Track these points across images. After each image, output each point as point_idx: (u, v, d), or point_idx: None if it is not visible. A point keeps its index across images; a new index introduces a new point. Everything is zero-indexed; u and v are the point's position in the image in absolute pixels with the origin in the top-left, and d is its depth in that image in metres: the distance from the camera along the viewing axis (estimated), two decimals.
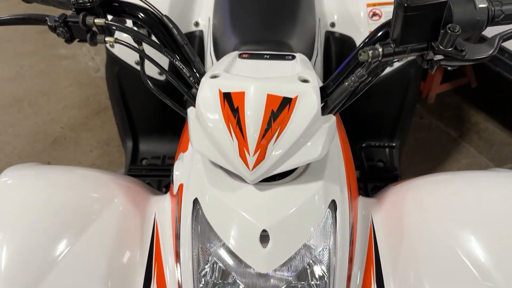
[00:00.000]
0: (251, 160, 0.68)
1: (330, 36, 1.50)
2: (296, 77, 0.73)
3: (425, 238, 0.83)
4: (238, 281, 0.72)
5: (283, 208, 0.72)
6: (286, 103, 0.69)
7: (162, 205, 0.94)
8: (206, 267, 0.74)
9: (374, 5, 1.46)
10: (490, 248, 0.78)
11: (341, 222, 0.77)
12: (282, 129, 0.68)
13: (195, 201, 0.77)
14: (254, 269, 0.71)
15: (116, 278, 0.81)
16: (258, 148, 0.68)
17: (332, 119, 0.74)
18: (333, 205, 0.77)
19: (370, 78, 0.72)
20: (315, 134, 0.71)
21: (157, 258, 0.87)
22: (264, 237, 0.71)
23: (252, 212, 0.72)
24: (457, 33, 0.64)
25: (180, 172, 0.86)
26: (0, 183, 0.87)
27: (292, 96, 0.69)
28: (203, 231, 0.75)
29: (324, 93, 0.74)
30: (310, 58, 1.31)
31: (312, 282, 0.75)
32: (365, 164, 1.46)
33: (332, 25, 1.49)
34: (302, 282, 0.75)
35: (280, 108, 0.69)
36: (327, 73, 1.49)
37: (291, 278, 0.72)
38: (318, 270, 0.75)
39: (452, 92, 2.40)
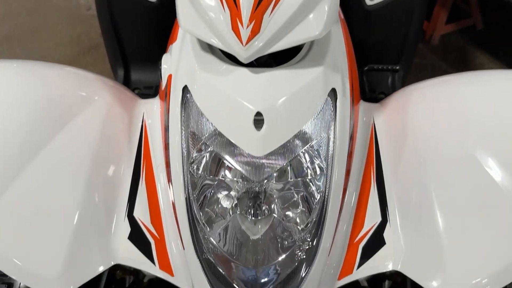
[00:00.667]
0: (245, 33, 0.62)
1: None
2: None
3: (428, 137, 0.79)
4: (231, 166, 0.68)
5: (280, 91, 0.67)
6: None
7: (151, 107, 0.89)
8: (196, 154, 0.70)
9: None
10: (496, 148, 0.74)
11: (341, 112, 0.72)
12: (276, 2, 0.62)
13: (185, 89, 0.72)
14: (248, 154, 0.66)
15: (100, 172, 0.78)
16: (253, 18, 0.62)
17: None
18: (333, 94, 0.72)
19: None
20: (316, 6, 0.65)
21: (145, 156, 0.83)
22: (259, 121, 0.66)
23: (245, 95, 0.67)
24: None
25: (168, 65, 0.81)
26: None
27: None
28: (194, 118, 0.71)
29: None
30: None
31: (310, 178, 0.71)
32: (366, 90, 1.40)
33: None
34: (300, 179, 0.71)
35: None
36: None
37: (285, 163, 0.67)
38: (316, 162, 0.71)
39: (457, 33, 2.31)
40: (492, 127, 0.76)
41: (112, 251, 0.76)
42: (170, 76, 0.78)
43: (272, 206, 0.70)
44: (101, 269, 0.75)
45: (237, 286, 0.69)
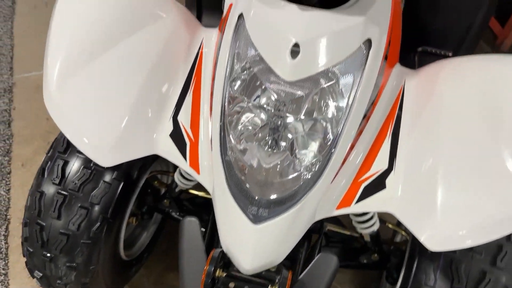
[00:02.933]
0: None
1: None
2: None
3: (451, 107, 0.85)
4: (264, 86, 0.79)
5: (318, 29, 0.76)
6: None
7: (209, 36, 1.01)
8: (238, 73, 0.81)
9: None
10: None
11: (371, 62, 0.80)
12: None
13: (240, 16, 0.83)
14: (280, 77, 0.77)
15: (158, 75, 0.92)
16: None
17: None
18: (368, 44, 0.80)
19: None
20: None
21: (196, 75, 0.95)
22: (295, 52, 0.76)
23: (288, 26, 0.77)
24: None
25: None
26: None
27: None
28: (242, 41, 0.82)
29: None
30: None
31: (330, 116, 0.80)
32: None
33: None
34: (320, 116, 0.80)
35: None
36: None
37: (312, 91, 0.77)
38: (336, 103, 0.80)
39: None
40: None
41: (155, 143, 0.91)
42: (230, 5, 0.89)
43: (287, 143, 0.81)
44: (143, 153, 0.90)
45: (250, 189, 0.81)
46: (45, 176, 1.05)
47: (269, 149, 0.81)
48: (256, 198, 0.80)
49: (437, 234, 0.77)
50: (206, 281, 0.80)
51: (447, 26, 1.52)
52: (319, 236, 1.08)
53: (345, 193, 0.85)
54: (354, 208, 0.84)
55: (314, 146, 0.80)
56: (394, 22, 0.90)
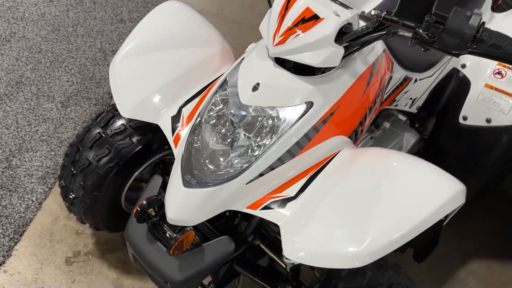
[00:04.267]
0: (277, 40, 1.07)
1: (454, 74, 1.70)
2: (334, 9, 1.07)
3: (353, 178, 1.08)
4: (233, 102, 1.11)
5: (279, 81, 1.07)
6: (314, 18, 1.04)
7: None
8: (223, 90, 1.16)
9: (504, 66, 1.60)
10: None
11: (307, 118, 1.07)
12: (303, 31, 1.04)
13: (244, 58, 1.20)
14: (240, 100, 1.10)
15: (186, 76, 1.31)
16: (283, 35, 1.06)
17: (340, 49, 1.05)
18: (310, 105, 1.08)
19: (374, 33, 1.02)
20: (322, 48, 1.04)
21: (211, 87, 1.33)
22: (256, 88, 1.09)
23: (259, 72, 1.09)
24: (431, 21, 0.91)
25: None
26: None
27: (320, 16, 1.04)
28: (235, 73, 1.15)
29: (344, 29, 1.06)
30: (419, 71, 1.55)
31: (260, 138, 1.06)
32: None
33: (463, 66, 1.68)
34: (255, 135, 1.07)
35: (309, 19, 1.04)
36: (430, 100, 1.69)
37: (258, 117, 1.07)
38: (271, 132, 1.06)
39: None
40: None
41: (161, 118, 1.28)
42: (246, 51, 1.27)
43: (230, 142, 1.07)
44: (150, 120, 1.28)
45: (193, 162, 1.09)
46: (97, 120, 1.51)
47: (219, 139, 1.09)
48: (193, 170, 1.11)
49: (295, 249, 1.00)
50: (137, 211, 1.12)
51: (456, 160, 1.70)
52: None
53: (257, 200, 1.10)
54: (257, 212, 1.09)
55: (242, 153, 1.09)
56: (346, 103, 1.14)
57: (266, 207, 1.09)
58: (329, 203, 1.03)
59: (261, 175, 1.08)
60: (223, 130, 1.09)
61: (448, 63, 1.69)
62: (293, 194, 1.09)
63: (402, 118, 1.78)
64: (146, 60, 1.32)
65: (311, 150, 1.12)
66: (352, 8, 1.08)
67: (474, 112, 1.63)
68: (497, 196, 2.17)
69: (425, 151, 1.86)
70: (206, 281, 1.37)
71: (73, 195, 1.50)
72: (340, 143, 1.18)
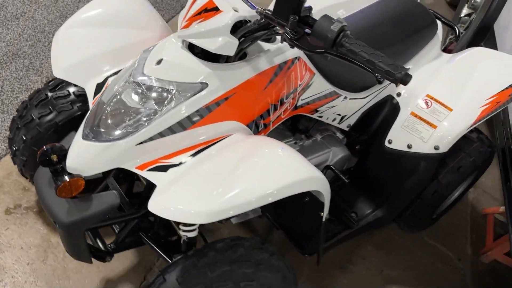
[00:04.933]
0: (183, 24, 1.22)
1: (389, 100, 1.82)
2: (235, 6, 1.21)
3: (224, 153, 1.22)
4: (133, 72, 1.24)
5: (181, 60, 1.21)
6: (215, 9, 1.19)
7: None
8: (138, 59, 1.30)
9: (431, 98, 1.71)
10: None
11: (199, 96, 1.21)
12: (204, 19, 1.19)
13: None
14: (146, 72, 1.24)
15: (119, 51, 1.46)
16: (188, 20, 1.21)
17: (234, 40, 1.17)
18: (205, 85, 1.22)
19: (259, 30, 1.16)
20: (218, 37, 1.18)
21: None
22: (160, 63, 1.24)
23: (166, 50, 1.24)
24: (294, 20, 1.04)
25: None
26: None
27: (220, 9, 1.19)
28: (150, 50, 1.31)
29: (240, 24, 1.21)
30: (350, 91, 1.67)
31: (153, 105, 1.19)
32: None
33: (398, 94, 1.80)
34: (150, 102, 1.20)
35: (211, 10, 1.19)
36: (364, 121, 1.80)
37: (156, 86, 1.21)
38: (164, 101, 1.19)
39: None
40: None
41: (88, 83, 1.44)
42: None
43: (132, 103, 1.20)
44: (76, 82, 1.45)
45: (95, 117, 1.22)
46: (48, 84, 1.68)
47: (119, 102, 1.21)
48: (93, 126, 1.25)
49: (157, 203, 1.11)
50: (40, 154, 1.24)
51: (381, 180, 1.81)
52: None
53: (145, 162, 1.23)
54: (143, 173, 1.22)
55: (136, 116, 1.23)
56: (243, 92, 1.27)
57: (152, 169, 1.21)
58: (198, 170, 1.15)
59: (151, 139, 1.20)
60: (124, 94, 1.23)
61: (384, 89, 1.80)
62: (177, 162, 1.21)
63: (339, 136, 1.90)
64: (86, 32, 1.49)
65: (203, 127, 1.24)
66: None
67: (398, 136, 1.73)
68: (433, 234, 2.24)
69: (355, 169, 1.96)
70: (108, 240, 1.51)
71: (15, 147, 1.67)
72: (235, 128, 1.30)
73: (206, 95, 1.22)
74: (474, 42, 2.98)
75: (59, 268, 1.76)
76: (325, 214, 1.35)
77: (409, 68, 1.01)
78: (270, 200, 1.08)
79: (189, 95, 1.21)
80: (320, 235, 1.44)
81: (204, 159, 1.20)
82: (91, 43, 1.46)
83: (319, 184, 1.18)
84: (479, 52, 1.85)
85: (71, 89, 1.63)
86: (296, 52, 1.40)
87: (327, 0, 1.83)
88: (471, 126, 1.64)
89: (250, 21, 1.20)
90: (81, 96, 1.61)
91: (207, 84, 1.21)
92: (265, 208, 1.79)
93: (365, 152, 1.90)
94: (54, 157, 1.25)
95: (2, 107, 2.30)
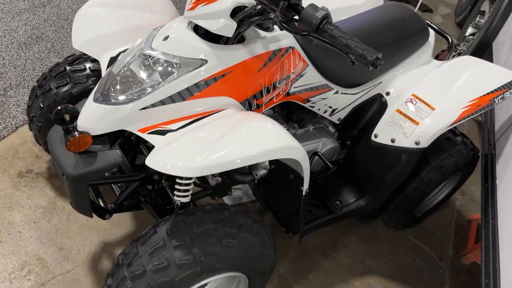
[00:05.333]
0: (189, 6, 1.37)
1: (378, 98, 1.95)
2: None
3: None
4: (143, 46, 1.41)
5: (185, 38, 1.36)
6: None
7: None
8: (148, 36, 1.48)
9: (416, 97, 1.84)
10: None
11: (197, 72, 1.34)
12: (208, 3, 1.33)
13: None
14: (154, 46, 1.40)
15: (133, 31, 1.65)
16: (194, 3, 1.36)
17: (233, 23, 1.29)
18: (204, 62, 1.37)
19: (255, 15, 1.31)
20: (219, 19, 1.33)
21: None
22: (167, 39, 1.40)
23: (172, 30, 1.39)
24: (284, 5, 1.19)
25: None
26: None
27: None
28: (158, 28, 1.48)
29: (239, 9, 1.36)
30: (342, 86, 1.81)
31: (157, 77, 1.33)
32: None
33: (387, 93, 1.94)
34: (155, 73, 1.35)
35: None
36: (354, 117, 1.94)
37: (162, 59, 1.36)
38: (166, 74, 1.33)
39: None
40: None
41: (104, 56, 1.62)
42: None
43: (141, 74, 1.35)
44: (93, 54, 1.61)
45: (106, 83, 1.37)
46: (68, 59, 1.86)
47: (128, 71, 1.35)
48: (104, 91, 1.41)
49: (154, 160, 1.25)
50: (55, 113, 1.39)
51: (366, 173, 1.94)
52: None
53: (147, 126, 1.37)
54: (144, 135, 1.37)
55: (142, 83, 1.38)
56: (238, 71, 1.40)
57: (152, 133, 1.36)
58: (192, 135, 1.30)
59: (153, 105, 1.36)
60: (133, 65, 1.39)
61: (374, 88, 1.94)
62: (175, 128, 1.36)
63: (331, 129, 2.04)
64: (104, 12, 1.66)
65: (200, 99, 1.39)
66: None
67: (383, 131, 1.86)
68: (418, 233, 2.35)
69: (344, 161, 2.09)
70: (109, 201, 1.66)
71: (33, 114, 1.84)
72: (230, 104, 1.45)
73: (205, 70, 1.37)
74: None
75: (62, 228, 1.91)
76: (304, 187, 1.49)
77: (380, 53, 1.13)
78: (252, 161, 1.22)
79: (190, 69, 1.36)
80: (300, 209, 1.57)
81: (199, 127, 1.35)
82: (108, 21, 1.63)
83: (298, 153, 1.31)
84: (467, 60, 1.98)
85: (88, 65, 1.79)
86: (290, 42, 1.55)
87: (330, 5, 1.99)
88: (451, 125, 1.76)
89: (247, 6, 1.35)
90: (96, 71, 1.77)
91: (206, 61, 1.36)
92: (256, 190, 1.93)
93: (354, 145, 2.03)
94: (67, 117, 1.41)
95: (23, 83, 2.48)
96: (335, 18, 1.89)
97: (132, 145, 1.83)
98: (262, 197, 1.93)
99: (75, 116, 1.39)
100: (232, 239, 1.37)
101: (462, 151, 2.02)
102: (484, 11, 3.58)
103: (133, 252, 1.35)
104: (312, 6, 1.18)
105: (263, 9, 1.30)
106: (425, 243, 2.34)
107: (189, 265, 1.30)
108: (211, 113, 1.41)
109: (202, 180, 1.79)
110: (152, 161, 1.23)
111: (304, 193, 1.51)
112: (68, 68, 1.79)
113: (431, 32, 2.08)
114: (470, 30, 3.76)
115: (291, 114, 1.97)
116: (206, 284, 1.47)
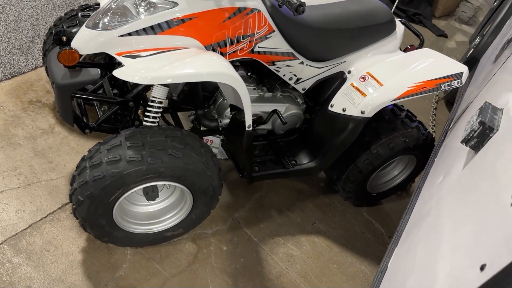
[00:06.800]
0: None
1: (340, 76, 2.22)
2: None
3: None
4: None
5: None
6: None
7: None
8: None
9: (370, 75, 2.09)
10: None
11: (169, 11, 1.66)
12: None
13: None
14: None
15: None
16: None
17: None
18: (176, 4, 1.69)
19: None
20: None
21: None
22: None
23: None
24: None
25: None
26: None
27: None
28: None
29: None
30: (308, 59, 2.08)
31: (139, 11, 1.70)
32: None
33: (349, 72, 2.20)
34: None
35: None
36: (318, 90, 2.22)
37: None
38: (146, 10, 1.71)
39: None
40: None
41: None
42: None
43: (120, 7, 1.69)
44: None
45: (99, 13, 1.76)
46: (82, 6, 2.23)
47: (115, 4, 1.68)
48: (95, 20, 1.74)
49: (121, 70, 1.56)
50: (55, 34, 1.74)
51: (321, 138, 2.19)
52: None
53: (123, 51, 1.62)
54: (120, 58, 1.66)
55: (124, 15, 1.70)
56: (204, 18, 1.66)
57: (125, 56, 1.69)
58: (155, 58, 1.61)
59: (129, 34, 1.68)
60: (126, 1, 1.72)
61: (338, 65, 2.21)
62: (144, 55, 1.68)
63: (300, 101, 2.32)
64: None
65: (169, 36, 1.70)
66: None
67: (338, 102, 2.12)
68: (373, 213, 2.56)
69: (304, 129, 2.35)
70: (93, 121, 1.98)
71: (46, 48, 2.21)
72: (194, 45, 1.75)
73: (176, 11, 1.68)
74: None
75: (55, 147, 2.26)
76: (247, 123, 1.77)
77: (304, 2, 1.42)
78: (195, 79, 1.52)
79: (164, 8, 1.68)
80: (245, 145, 1.85)
81: (163, 55, 1.66)
82: None
83: (233, 80, 1.60)
84: (426, 51, 2.22)
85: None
86: (256, 4, 1.85)
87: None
88: (394, 100, 2.00)
89: None
90: None
91: (177, 4, 1.68)
92: (223, 143, 2.22)
93: (315, 114, 2.29)
94: (64, 38, 1.75)
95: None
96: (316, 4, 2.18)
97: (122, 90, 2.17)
98: (225, 148, 2.21)
99: (71, 38, 1.73)
100: (177, 152, 1.66)
101: (413, 133, 2.24)
102: (484, 34, 3.78)
103: (95, 148, 1.66)
104: None
105: None
106: (379, 222, 2.54)
107: (136, 163, 1.59)
108: (177, 49, 1.72)
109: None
110: (119, 71, 1.55)
111: (247, 128, 1.79)
112: (79, 13, 2.16)
113: (400, 26, 2.34)
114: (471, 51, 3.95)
115: (263, 79, 2.26)
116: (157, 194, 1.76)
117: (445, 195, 1.40)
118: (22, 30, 2.85)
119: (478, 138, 1.30)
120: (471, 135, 1.31)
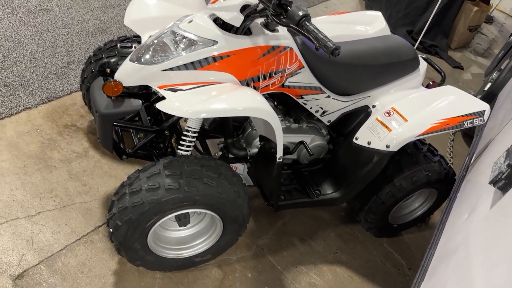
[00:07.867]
0: (211, 0, 1.83)
1: (365, 109, 2.30)
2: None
3: None
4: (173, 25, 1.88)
5: (202, 22, 1.82)
6: None
7: None
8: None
9: (394, 110, 2.18)
10: None
11: (205, 49, 1.77)
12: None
13: None
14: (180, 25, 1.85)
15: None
16: None
17: (240, 15, 1.73)
18: (214, 43, 1.79)
19: (257, 12, 1.73)
20: (231, 12, 1.75)
21: None
22: (191, 21, 1.84)
23: (199, 16, 1.86)
24: (275, 2, 1.60)
25: None
26: None
27: None
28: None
29: (247, 6, 1.78)
30: (335, 93, 2.17)
31: (180, 48, 1.79)
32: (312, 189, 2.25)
33: (374, 106, 2.29)
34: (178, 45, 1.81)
35: None
36: (343, 122, 2.30)
37: (185, 36, 1.81)
38: (186, 48, 1.79)
39: None
40: None
41: (147, 35, 2.11)
42: None
43: (171, 45, 1.82)
44: (139, 32, 2.10)
45: (141, 49, 1.85)
46: (120, 38, 2.35)
47: (159, 42, 1.79)
48: (139, 54, 1.85)
49: (163, 104, 1.66)
50: (100, 66, 1.85)
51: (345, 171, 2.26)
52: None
53: (165, 84, 1.76)
54: (161, 91, 1.77)
55: (166, 51, 1.80)
56: (240, 55, 1.78)
57: (167, 89, 1.79)
58: (194, 93, 1.71)
59: (171, 69, 1.79)
60: (163, 38, 1.84)
61: (363, 99, 2.30)
62: (184, 89, 1.78)
63: (324, 132, 2.40)
64: (153, 1, 2.15)
65: (208, 71, 1.81)
66: None
67: (363, 135, 2.20)
68: (394, 243, 2.60)
69: (329, 159, 2.43)
70: (128, 147, 2.08)
71: (85, 76, 2.33)
72: (231, 80, 1.85)
73: (215, 49, 1.79)
74: None
75: (89, 170, 2.35)
76: (278, 154, 1.84)
77: (340, 45, 1.50)
78: (232, 114, 1.61)
79: (204, 46, 1.79)
80: (275, 176, 1.92)
81: (202, 89, 1.76)
82: (153, 9, 2.11)
83: (267, 115, 1.68)
84: (448, 88, 2.30)
85: (134, 44, 2.27)
86: (289, 43, 1.95)
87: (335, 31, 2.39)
88: (419, 135, 2.07)
89: (252, 4, 1.78)
90: None
91: (217, 42, 1.79)
92: (249, 171, 2.30)
93: (339, 146, 2.37)
94: (108, 70, 1.87)
95: (83, 61, 3.03)
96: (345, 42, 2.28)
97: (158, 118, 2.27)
98: (252, 176, 2.29)
99: (114, 71, 1.84)
100: (211, 181, 1.74)
101: (435, 167, 2.30)
102: (501, 69, 3.85)
103: (135, 176, 1.75)
104: (297, 6, 1.59)
105: (264, 8, 1.72)
106: (398, 253, 2.57)
107: (174, 191, 1.67)
108: (215, 84, 1.82)
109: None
110: (161, 104, 1.65)
111: (278, 160, 1.87)
112: (118, 44, 2.28)
113: (423, 63, 2.43)
114: (488, 84, 4.02)
115: (290, 111, 2.35)
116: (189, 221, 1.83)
117: (472, 233, 1.45)
118: (58, 55, 2.99)
119: (506, 180, 1.36)
120: (499, 177, 1.37)
